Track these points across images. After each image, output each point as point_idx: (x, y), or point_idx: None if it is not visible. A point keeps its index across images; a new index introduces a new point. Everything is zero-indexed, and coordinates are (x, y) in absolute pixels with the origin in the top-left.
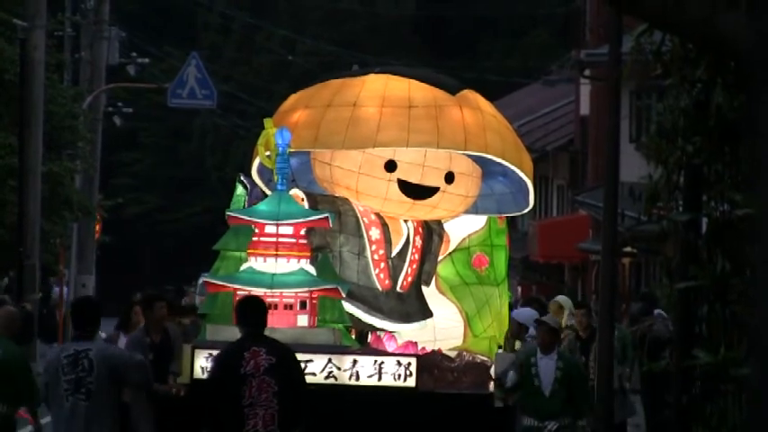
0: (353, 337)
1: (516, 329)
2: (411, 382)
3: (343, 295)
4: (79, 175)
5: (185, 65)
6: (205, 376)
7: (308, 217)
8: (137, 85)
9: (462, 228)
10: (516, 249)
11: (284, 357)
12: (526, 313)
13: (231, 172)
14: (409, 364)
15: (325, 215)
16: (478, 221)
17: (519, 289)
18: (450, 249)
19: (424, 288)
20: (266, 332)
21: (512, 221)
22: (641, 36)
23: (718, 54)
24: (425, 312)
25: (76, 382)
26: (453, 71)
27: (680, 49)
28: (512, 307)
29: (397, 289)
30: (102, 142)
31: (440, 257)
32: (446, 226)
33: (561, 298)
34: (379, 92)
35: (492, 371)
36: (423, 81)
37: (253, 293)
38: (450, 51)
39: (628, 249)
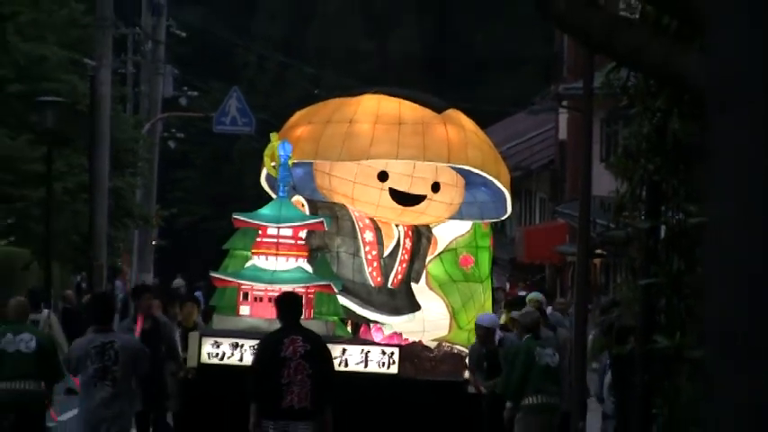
0: (349, 328)
1: (484, 334)
2: (394, 370)
3: (336, 291)
4: (139, 190)
5: (228, 97)
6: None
7: (305, 221)
8: (187, 114)
9: (451, 231)
10: (505, 252)
11: (317, 346)
12: (490, 318)
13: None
14: (393, 353)
15: (320, 219)
16: (465, 226)
17: (507, 285)
18: (439, 250)
19: (414, 285)
20: (266, 323)
21: (501, 228)
22: (610, 73)
23: (675, 88)
24: (413, 306)
25: (103, 371)
26: (454, 102)
27: (643, 83)
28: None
29: (388, 285)
30: (158, 162)
31: (429, 258)
32: (436, 230)
33: (535, 294)
34: (373, 110)
35: (467, 360)
36: (412, 101)
37: (287, 290)
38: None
39: (599, 252)
